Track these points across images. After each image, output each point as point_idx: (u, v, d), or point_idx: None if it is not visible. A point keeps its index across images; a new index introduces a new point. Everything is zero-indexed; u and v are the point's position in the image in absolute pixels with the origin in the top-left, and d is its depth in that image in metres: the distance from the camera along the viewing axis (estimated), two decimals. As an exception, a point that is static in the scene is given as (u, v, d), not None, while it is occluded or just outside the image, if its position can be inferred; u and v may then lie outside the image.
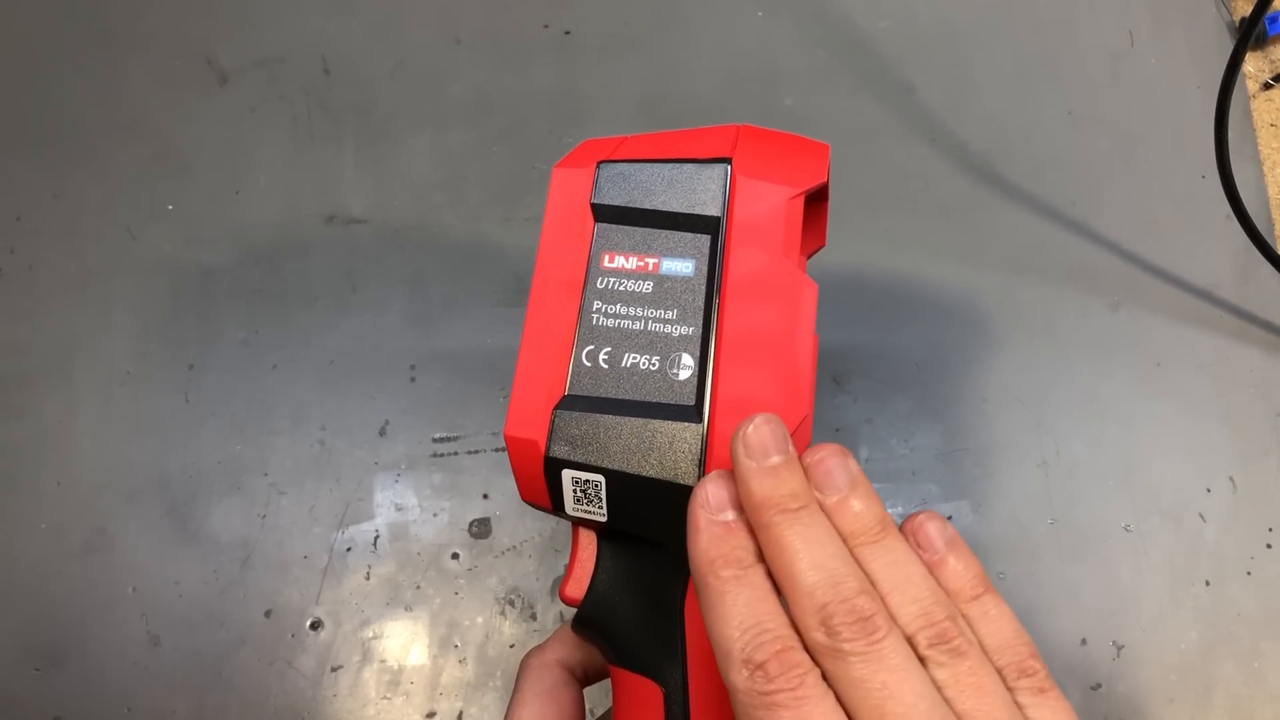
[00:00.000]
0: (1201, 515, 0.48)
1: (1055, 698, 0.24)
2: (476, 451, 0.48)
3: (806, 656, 0.23)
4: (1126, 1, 0.57)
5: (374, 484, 0.48)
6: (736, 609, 0.23)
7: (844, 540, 0.24)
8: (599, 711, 0.35)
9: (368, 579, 0.46)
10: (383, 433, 0.49)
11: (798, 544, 0.24)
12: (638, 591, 0.30)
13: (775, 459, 0.24)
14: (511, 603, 0.46)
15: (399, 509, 0.47)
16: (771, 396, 0.27)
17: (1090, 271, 0.52)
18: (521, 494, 0.29)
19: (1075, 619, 0.46)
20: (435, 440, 0.48)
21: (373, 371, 0.49)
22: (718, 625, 0.24)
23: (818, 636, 0.23)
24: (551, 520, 0.47)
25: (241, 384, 0.49)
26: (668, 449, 0.27)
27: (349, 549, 0.47)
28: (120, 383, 0.49)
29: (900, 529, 0.26)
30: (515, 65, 0.55)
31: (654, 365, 0.28)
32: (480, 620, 0.46)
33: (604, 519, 0.28)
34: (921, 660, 0.23)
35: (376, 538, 0.47)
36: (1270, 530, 0.47)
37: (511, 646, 0.45)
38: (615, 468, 0.27)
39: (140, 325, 0.50)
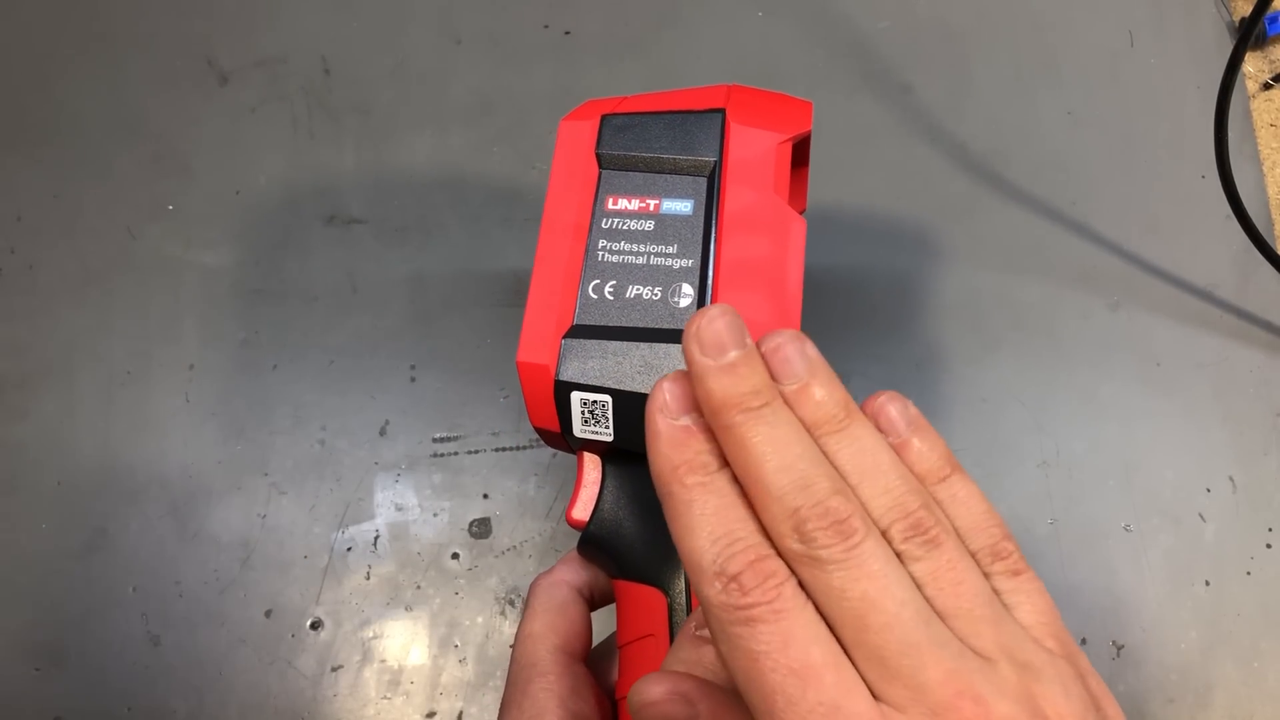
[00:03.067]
0: (1201, 515, 0.48)
1: (1029, 579, 0.23)
2: (476, 451, 0.48)
3: (783, 565, 0.21)
4: (1126, 1, 0.57)
5: (374, 484, 0.48)
6: (705, 519, 0.22)
7: (808, 431, 0.23)
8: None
9: (368, 579, 0.46)
10: (383, 433, 0.49)
11: (763, 445, 0.22)
12: (641, 507, 0.31)
13: (733, 354, 0.22)
14: (511, 602, 0.46)
15: (399, 509, 0.47)
16: (765, 319, 0.29)
17: (1090, 271, 0.52)
18: (531, 419, 0.31)
19: (1075, 619, 0.46)
20: (435, 440, 0.48)
21: (373, 371, 0.49)
22: (686, 537, 0.22)
23: (791, 544, 0.21)
24: (551, 520, 0.47)
25: (241, 384, 0.49)
26: (670, 370, 0.29)
27: (349, 549, 0.47)
28: (120, 383, 0.49)
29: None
30: (515, 65, 0.55)
31: (656, 295, 0.30)
32: (480, 620, 0.46)
33: (610, 438, 0.30)
34: (897, 554, 0.22)
35: (376, 538, 0.47)
36: (1270, 530, 0.47)
37: (512, 646, 0.45)
38: (621, 388, 0.29)
39: (140, 325, 0.50)
